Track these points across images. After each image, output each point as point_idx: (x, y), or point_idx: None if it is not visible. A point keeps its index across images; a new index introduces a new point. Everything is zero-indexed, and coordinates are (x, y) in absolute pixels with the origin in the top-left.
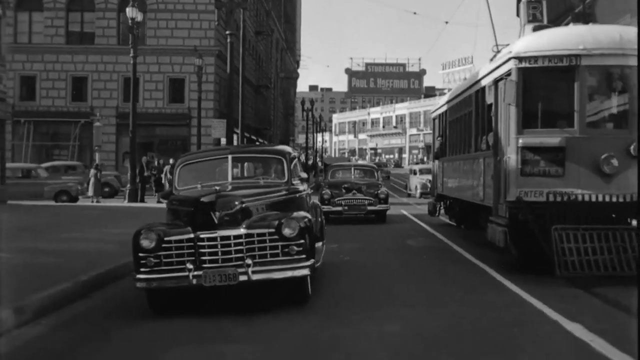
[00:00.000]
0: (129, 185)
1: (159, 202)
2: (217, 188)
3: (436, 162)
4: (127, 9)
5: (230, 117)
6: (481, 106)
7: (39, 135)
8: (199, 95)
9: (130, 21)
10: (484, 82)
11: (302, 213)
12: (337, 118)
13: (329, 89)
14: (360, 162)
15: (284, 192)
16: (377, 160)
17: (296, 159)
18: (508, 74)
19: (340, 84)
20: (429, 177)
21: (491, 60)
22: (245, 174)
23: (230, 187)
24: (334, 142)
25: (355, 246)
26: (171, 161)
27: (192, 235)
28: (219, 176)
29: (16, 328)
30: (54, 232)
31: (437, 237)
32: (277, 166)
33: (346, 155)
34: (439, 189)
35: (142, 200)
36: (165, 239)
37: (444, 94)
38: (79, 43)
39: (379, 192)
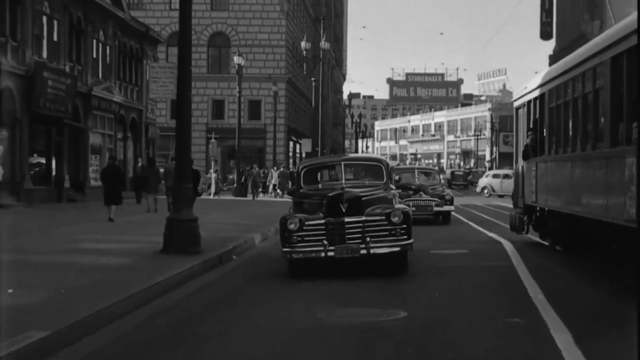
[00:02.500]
0: (235, 185)
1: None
2: (343, 186)
3: (523, 163)
4: (235, 57)
5: (296, 131)
6: (626, 78)
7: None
8: (275, 114)
9: (237, 66)
10: (634, 40)
11: (402, 205)
12: (379, 125)
13: (371, 97)
14: (422, 165)
15: (383, 190)
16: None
17: (389, 166)
18: None
19: (382, 92)
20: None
21: None
22: (352, 177)
23: (345, 186)
24: (376, 147)
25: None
26: (256, 167)
27: (324, 221)
28: (332, 178)
29: (207, 271)
30: (207, 213)
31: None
32: (377, 171)
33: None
34: (530, 197)
35: (244, 195)
36: (306, 223)
37: (482, 101)
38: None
39: (444, 193)
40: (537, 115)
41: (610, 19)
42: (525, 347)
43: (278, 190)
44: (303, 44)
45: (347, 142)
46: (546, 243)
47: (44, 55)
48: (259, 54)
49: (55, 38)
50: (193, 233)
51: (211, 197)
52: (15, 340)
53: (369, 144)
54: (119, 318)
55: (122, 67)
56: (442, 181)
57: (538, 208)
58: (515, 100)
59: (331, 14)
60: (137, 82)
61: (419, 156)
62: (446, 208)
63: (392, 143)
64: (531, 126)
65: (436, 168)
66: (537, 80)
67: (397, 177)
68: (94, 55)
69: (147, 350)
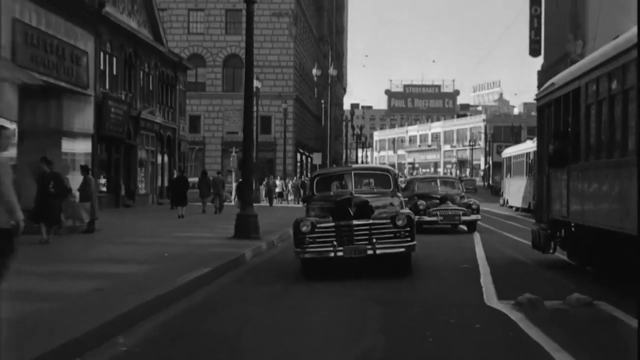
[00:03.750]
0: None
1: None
2: (352, 192)
3: (549, 171)
4: (255, 81)
5: (302, 144)
6: None
7: None
8: (284, 128)
9: (255, 89)
10: None
11: (407, 210)
12: (377, 135)
13: (369, 107)
14: (442, 175)
15: (390, 197)
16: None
17: (397, 175)
18: None
19: (380, 102)
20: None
21: None
22: (361, 185)
23: (354, 193)
24: (375, 157)
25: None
26: (272, 177)
27: (334, 224)
28: (343, 186)
29: (269, 249)
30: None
31: None
32: (385, 179)
33: None
34: (558, 211)
35: (258, 202)
36: (317, 225)
37: (479, 111)
38: (194, 90)
39: (471, 202)
40: (571, 114)
41: (592, 39)
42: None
43: (290, 197)
44: (314, 71)
45: (347, 152)
46: (574, 263)
47: (107, 86)
48: (269, 74)
49: (114, 72)
50: (255, 224)
51: (232, 203)
52: (185, 276)
53: (368, 153)
54: (228, 271)
55: (161, 93)
56: (464, 191)
57: (571, 224)
58: (539, 99)
59: (332, 32)
60: (171, 105)
61: (416, 165)
62: (473, 217)
63: (391, 153)
64: (560, 128)
65: (457, 177)
66: (570, 73)
67: (419, 187)
68: (141, 84)
69: (260, 283)
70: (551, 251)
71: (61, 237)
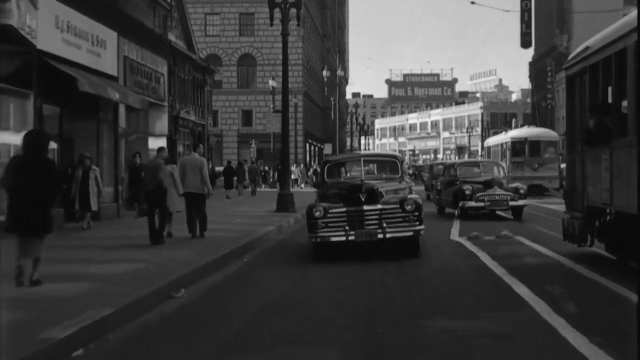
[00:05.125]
0: (270, 180)
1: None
2: (363, 179)
3: (584, 150)
4: (271, 81)
5: (311, 134)
6: None
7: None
8: (295, 121)
9: (271, 87)
10: None
11: (415, 195)
12: (379, 123)
13: (370, 96)
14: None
15: (398, 183)
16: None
17: (404, 161)
18: None
19: (381, 90)
20: None
21: None
22: (370, 171)
23: (363, 179)
24: (376, 144)
25: None
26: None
27: (345, 209)
28: (352, 172)
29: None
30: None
31: None
32: (393, 165)
33: None
34: (597, 197)
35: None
36: (330, 210)
37: (477, 98)
38: (212, 87)
39: (518, 186)
40: (614, 82)
41: (575, 34)
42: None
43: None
44: (324, 72)
45: (349, 140)
46: (613, 257)
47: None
48: (280, 72)
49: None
50: (292, 201)
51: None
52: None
53: (370, 141)
54: (282, 229)
55: (194, 94)
56: (504, 175)
57: (611, 211)
58: (568, 67)
59: (335, 28)
60: (201, 104)
61: (416, 152)
62: (521, 202)
63: (392, 140)
64: (600, 98)
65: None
66: (613, 32)
67: (461, 172)
68: (179, 88)
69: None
70: (588, 244)
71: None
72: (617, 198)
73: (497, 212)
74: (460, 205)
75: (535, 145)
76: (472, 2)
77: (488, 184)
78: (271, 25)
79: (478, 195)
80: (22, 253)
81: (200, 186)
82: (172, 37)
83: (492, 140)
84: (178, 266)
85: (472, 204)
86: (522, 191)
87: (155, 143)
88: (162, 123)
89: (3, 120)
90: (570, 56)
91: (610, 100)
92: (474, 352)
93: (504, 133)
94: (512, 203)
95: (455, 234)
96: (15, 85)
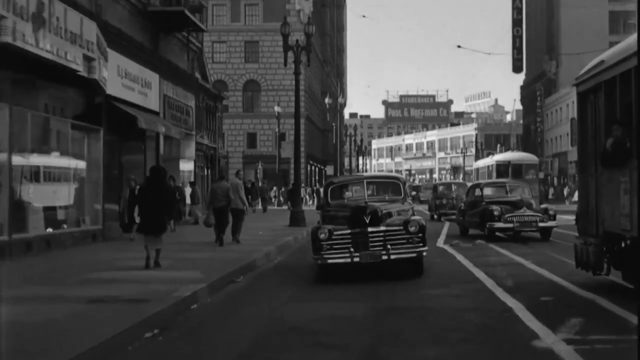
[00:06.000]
0: (275, 199)
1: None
2: (367, 200)
3: (599, 171)
4: (276, 107)
5: (312, 156)
6: None
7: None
8: (295, 143)
9: (276, 113)
10: None
11: (418, 217)
12: (375, 143)
13: (367, 116)
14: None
15: (401, 204)
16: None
17: (407, 183)
18: None
19: (377, 111)
20: None
21: None
22: (373, 192)
23: (367, 201)
24: (373, 165)
25: None
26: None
27: (350, 231)
28: (356, 194)
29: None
30: (282, 213)
31: None
32: (396, 187)
33: None
34: (615, 222)
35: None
36: (334, 233)
37: (471, 119)
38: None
39: (547, 207)
40: (634, 96)
41: (564, 61)
42: None
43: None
44: (326, 100)
45: (347, 160)
46: (630, 286)
47: None
48: (283, 97)
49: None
50: (302, 217)
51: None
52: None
53: (367, 161)
54: (292, 246)
55: (206, 120)
56: (531, 195)
57: (629, 237)
58: (580, 84)
59: (334, 53)
60: (212, 128)
61: (413, 172)
62: (550, 224)
63: (388, 160)
64: (618, 115)
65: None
66: (630, 45)
67: (487, 192)
68: (195, 115)
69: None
70: (604, 273)
71: (182, 227)
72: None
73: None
74: (487, 226)
75: (517, 168)
76: (459, 47)
77: (516, 205)
78: (285, 65)
79: (507, 216)
80: (148, 245)
81: (239, 203)
82: (197, 74)
83: (480, 163)
84: (239, 260)
85: (501, 225)
86: (551, 212)
87: (185, 166)
88: (190, 149)
89: (79, 149)
90: (582, 71)
91: (628, 118)
92: (436, 299)
93: (490, 157)
94: (541, 224)
95: (441, 241)
96: (89, 122)
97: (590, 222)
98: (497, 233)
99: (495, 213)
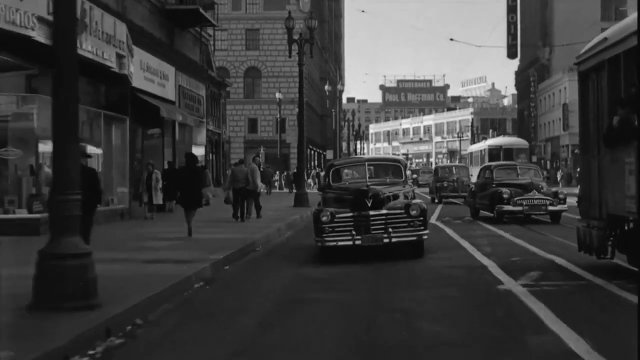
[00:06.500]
0: (282, 182)
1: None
2: (368, 184)
3: (602, 152)
4: (277, 94)
5: (311, 140)
6: None
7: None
8: (299, 129)
9: (277, 99)
10: None
11: (419, 200)
12: (373, 128)
13: (365, 101)
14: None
15: (402, 187)
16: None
17: (407, 166)
18: None
19: (374, 95)
20: None
21: None
22: (374, 175)
23: (369, 184)
24: (370, 149)
25: None
26: (288, 171)
27: (352, 214)
28: (357, 176)
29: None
30: (286, 196)
31: None
32: (397, 170)
33: None
34: (620, 204)
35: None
36: (337, 215)
37: (469, 103)
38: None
39: (557, 191)
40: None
41: (556, 47)
42: None
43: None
44: (326, 87)
45: (344, 144)
46: (636, 269)
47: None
48: (283, 83)
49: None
50: (306, 198)
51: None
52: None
53: (364, 145)
54: (299, 224)
55: (212, 106)
56: (543, 178)
57: (633, 219)
58: (581, 62)
59: (332, 39)
60: (217, 115)
61: (410, 156)
62: (559, 207)
63: (386, 144)
64: (622, 94)
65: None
66: (635, 21)
67: (497, 175)
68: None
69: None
70: (608, 256)
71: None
72: None
73: (536, 215)
74: (496, 208)
75: (508, 152)
76: (451, 40)
77: (526, 188)
78: (290, 56)
79: (516, 199)
80: (188, 218)
81: (257, 185)
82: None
83: (474, 147)
84: (255, 233)
85: (510, 207)
86: (561, 195)
87: (197, 151)
88: (201, 135)
89: (108, 137)
90: (583, 50)
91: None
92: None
93: (483, 141)
94: (550, 208)
95: (433, 219)
96: (116, 112)
97: (593, 205)
98: (506, 216)
99: (505, 196)
